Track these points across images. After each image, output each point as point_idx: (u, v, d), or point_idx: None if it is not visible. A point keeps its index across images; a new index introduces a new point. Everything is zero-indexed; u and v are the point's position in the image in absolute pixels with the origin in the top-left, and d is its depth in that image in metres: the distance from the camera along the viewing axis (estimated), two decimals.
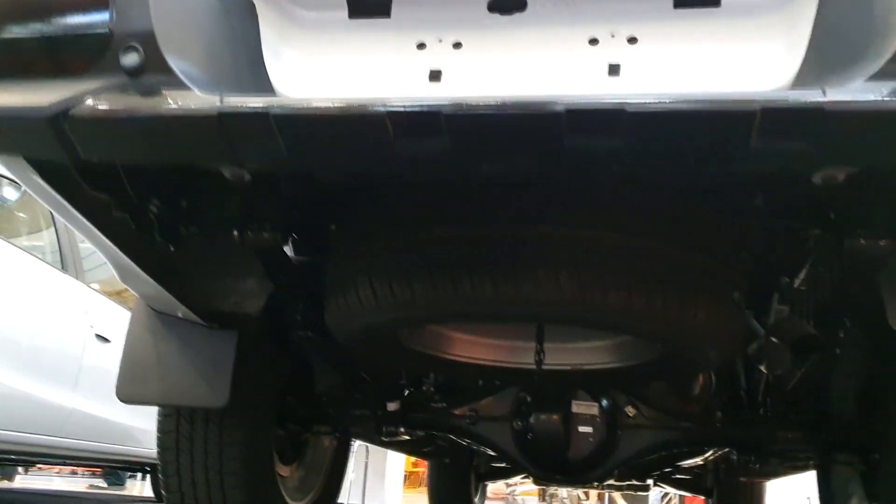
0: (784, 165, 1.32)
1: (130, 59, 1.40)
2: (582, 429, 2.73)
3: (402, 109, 1.32)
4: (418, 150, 1.36)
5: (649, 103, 1.28)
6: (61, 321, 4.89)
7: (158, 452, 2.62)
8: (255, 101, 1.37)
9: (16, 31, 1.47)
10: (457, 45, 1.59)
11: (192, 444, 2.56)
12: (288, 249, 2.20)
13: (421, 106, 1.32)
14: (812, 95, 1.25)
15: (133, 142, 1.44)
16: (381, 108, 1.33)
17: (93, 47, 1.40)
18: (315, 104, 1.36)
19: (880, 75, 1.24)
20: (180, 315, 2.37)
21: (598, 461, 2.74)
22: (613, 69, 1.51)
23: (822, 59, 1.39)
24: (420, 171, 1.55)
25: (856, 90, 1.24)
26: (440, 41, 1.60)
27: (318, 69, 1.62)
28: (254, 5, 1.61)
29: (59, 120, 1.40)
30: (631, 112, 1.27)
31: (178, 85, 1.39)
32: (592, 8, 1.59)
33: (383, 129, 1.33)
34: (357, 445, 6.43)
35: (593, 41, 1.56)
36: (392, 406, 2.85)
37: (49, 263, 4.92)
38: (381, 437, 2.96)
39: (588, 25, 1.57)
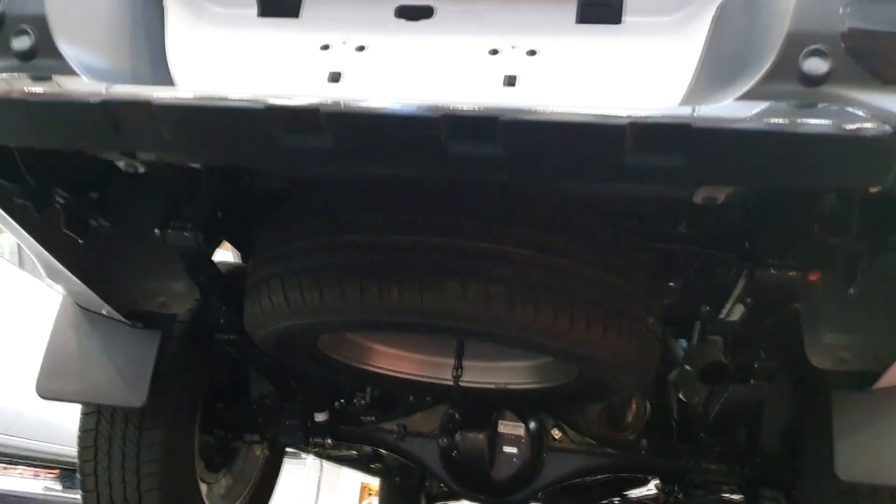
0: (660, 183, 1.33)
1: (21, 42, 1.40)
2: (507, 449, 2.71)
3: (281, 104, 1.32)
4: (300, 146, 1.36)
5: (523, 113, 1.28)
6: (17, 320, 4.87)
7: (78, 451, 2.59)
8: (139, 91, 1.37)
9: None
10: (360, 49, 1.60)
11: (110, 443, 2.53)
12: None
13: (299, 103, 1.32)
14: (681, 112, 1.25)
15: (21, 126, 1.43)
16: (263, 104, 1.33)
17: None
18: (198, 96, 1.36)
19: (750, 94, 1.25)
20: (104, 313, 2.36)
21: (523, 482, 2.72)
22: (510, 80, 1.52)
23: (712, 77, 1.40)
24: (305, 167, 1.55)
25: (724, 109, 1.24)
26: (344, 43, 1.60)
27: (222, 66, 1.62)
28: (160, 6, 1.61)
29: None
30: (505, 121, 1.27)
31: (68, 71, 1.39)
32: (498, 19, 1.60)
33: (264, 124, 1.33)
34: (311, 459, 6.37)
35: (494, 52, 1.56)
36: (320, 417, 2.83)
37: (7, 260, 4.90)
38: (309, 448, 2.94)
39: (491, 36, 1.58)
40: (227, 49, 1.64)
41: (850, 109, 1.19)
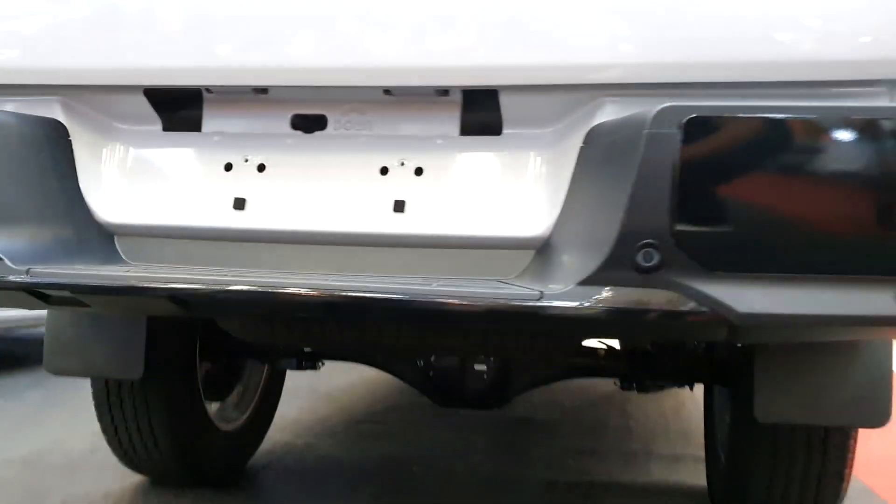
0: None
1: None
2: (477, 367, 3.00)
3: (170, 290, 1.48)
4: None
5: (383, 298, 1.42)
6: None
7: (94, 407, 2.95)
8: (60, 275, 1.52)
9: None
10: (261, 168, 1.70)
11: (120, 401, 2.88)
12: None
13: (175, 288, 1.47)
14: (530, 298, 1.38)
15: None
16: (160, 289, 1.48)
17: None
18: (103, 279, 1.51)
19: (592, 279, 1.37)
20: None
21: (494, 394, 3.03)
22: (399, 205, 1.63)
23: (575, 215, 1.51)
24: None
25: (566, 295, 1.37)
26: (246, 161, 1.70)
27: (135, 189, 1.73)
28: (65, 129, 1.70)
29: None
30: (376, 305, 1.42)
31: None
32: (386, 132, 1.67)
33: (161, 304, 1.49)
34: None
35: (384, 170, 1.66)
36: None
37: None
38: (304, 368, 3.26)
39: (381, 152, 1.66)
40: (139, 170, 1.74)
41: (674, 295, 1.33)
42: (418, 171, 1.64)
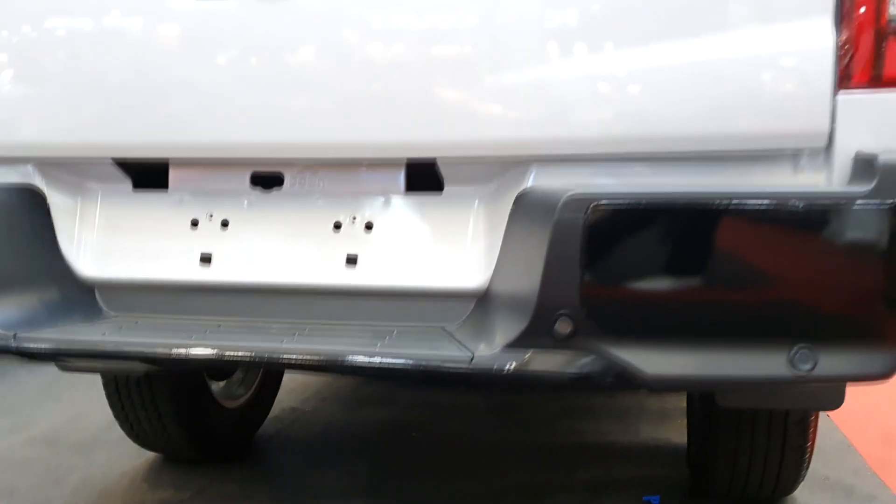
0: None
1: None
2: None
3: (140, 354, 1.65)
4: None
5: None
6: None
7: (106, 397, 3.17)
8: (43, 340, 1.69)
9: None
10: (224, 224, 1.84)
11: (129, 391, 3.09)
12: None
13: (145, 354, 1.64)
14: (463, 361, 1.53)
15: None
16: (132, 353, 1.65)
17: None
18: (82, 344, 1.67)
19: (516, 343, 1.51)
20: None
21: None
22: (351, 259, 1.77)
23: (504, 278, 1.64)
24: None
25: (494, 359, 1.52)
26: (210, 217, 1.84)
27: (110, 245, 1.88)
28: (42, 194, 1.85)
29: None
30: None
31: None
32: (338, 189, 1.80)
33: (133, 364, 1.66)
34: None
35: (337, 225, 1.79)
36: None
37: None
38: None
39: (334, 209, 1.79)
40: (111, 225, 1.89)
41: (590, 359, 1.48)
42: (368, 227, 1.78)
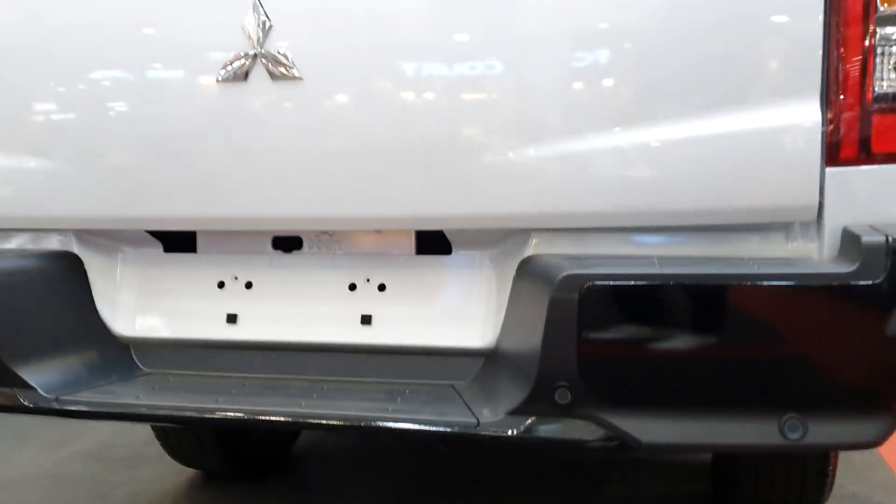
0: None
1: None
2: None
3: (171, 417, 1.77)
4: None
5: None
6: None
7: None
8: (82, 403, 1.82)
9: None
10: (248, 285, 1.95)
11: None
12: None
13: (174, 416, 1.77)
14: (469, 426, 1.62)
15: None
16: (163, 416, 1.78)
17: None
18: (118, 407, 1.80)
19: (519, 409, 1.60)
20: None
21: None
22: (366, 319, 1.87)
23: (509, 340, 1.73)
24: None
25: (498, 424, 1.61)
26: (236, 279, 1.96)
27: (143, 305, 2.01)
28: (80, 259, 1.97)
29: None
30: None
31: (27, 386, 1.83)
32: (351, 251, 1.91)
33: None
34: None
35: (352, 286, 1.89)
36: None
37: None
38: None
39: (350, 270, 1.90)
40: (144, 286, 2.01)
41: (589, 426, 1.57)
42: (381, 287, 1.88)
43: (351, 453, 3.82)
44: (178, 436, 3.30)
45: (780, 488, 2.69)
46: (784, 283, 1.47)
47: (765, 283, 1.47)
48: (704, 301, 1.50)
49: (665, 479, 3.46)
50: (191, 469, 3.59)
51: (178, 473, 3.58)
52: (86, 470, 3.70)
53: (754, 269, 1.50)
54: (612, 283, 1.51)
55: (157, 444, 3.53)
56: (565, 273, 1.52)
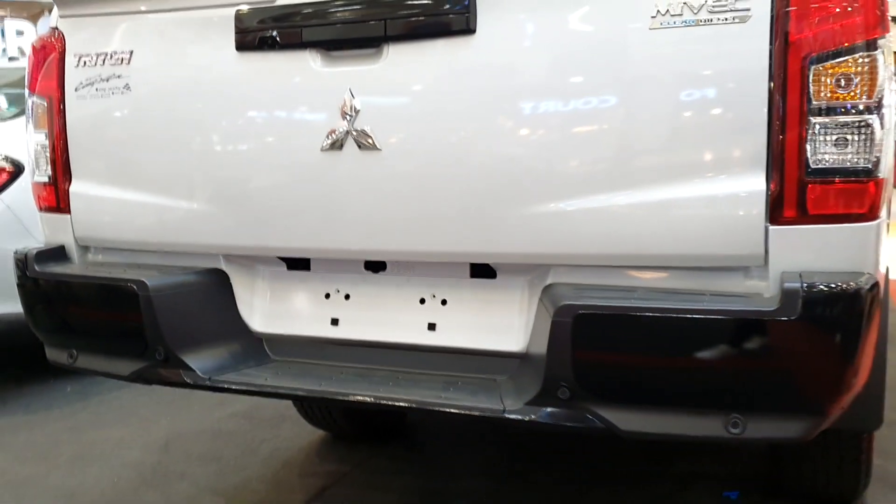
0: None
1: (159, 353, 2.55)
2: None
3: (287, 394, 2.43)
4: None
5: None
6: None
7: None
8: (227, 381, 2.50)
9: None
10: (347, 297, 2.58)
11: None
12: None
13: (289, 394, 2.43)
14: (498, 412, 2.19)
15: None
16: (282, 394, 2.44)
17: (135, 348, 2.56)
18: (252, 385, 2.47)
19: (532, 402, 2.15)
20: None
21: None
22: (431, 326, 2.46)
23: (535, 347, 2.28)
24: None
25: (518, 412, 2.16)
26: (338, 291, 2.59)
27: (272, 309, 2.67)
28: (227, 274, 2.66)
29: None
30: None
31: (189, 368, 2.53)
32: (423, 271, 2.50)
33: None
34: None
35: (422, 300, 2.49)
36: None
37: None
38: None
39: (421, 287, 2.49)
40: (273, 295, 2.67)
41: (583, 415, 2.09)
42: (444, 302, 2.46)
43: (457, 427, 4.43)
44: (311, 403, 4.00)
45: (821, 473, 3.11)
46: (723, 316, 1.95)
47: (708, 316, 1.96)
48: (664, 326, 2.00)
49: (727, 459, 3.89)
50: (321, 430, 4.30)
51: (311, 433, 4.30)
52: (238, 427, 4.48)
53: (702, 305, 1.98)
54: (595, 312, 2.04)
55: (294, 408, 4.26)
56: (563, 303, 2.05)
